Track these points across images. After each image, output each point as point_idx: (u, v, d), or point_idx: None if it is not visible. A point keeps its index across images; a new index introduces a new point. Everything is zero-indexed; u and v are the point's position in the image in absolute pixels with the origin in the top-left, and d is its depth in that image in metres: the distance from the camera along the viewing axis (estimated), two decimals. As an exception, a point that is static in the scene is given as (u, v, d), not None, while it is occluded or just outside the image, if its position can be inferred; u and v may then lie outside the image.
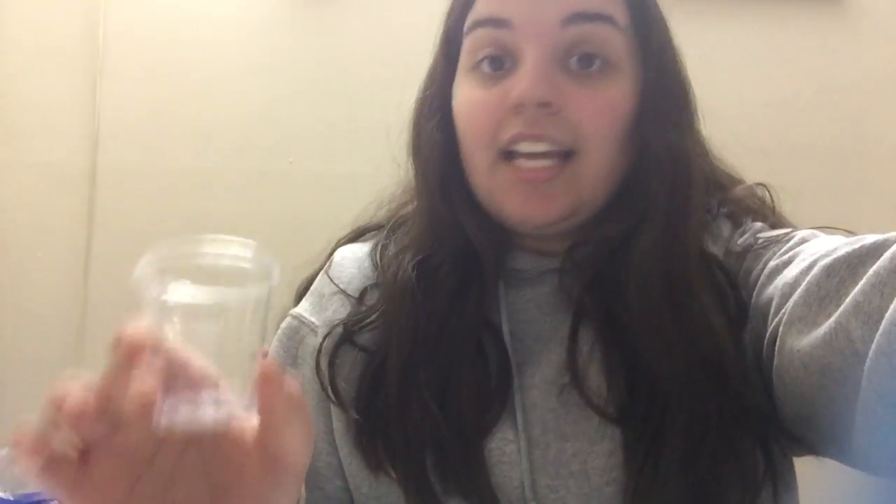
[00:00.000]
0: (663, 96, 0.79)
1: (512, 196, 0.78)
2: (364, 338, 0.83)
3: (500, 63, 0.78)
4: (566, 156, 0.76)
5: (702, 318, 0.75)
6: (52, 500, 1.41)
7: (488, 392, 0.79)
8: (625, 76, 0.78)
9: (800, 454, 0.80)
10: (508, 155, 0.77)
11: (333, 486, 0.85)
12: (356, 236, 0.96)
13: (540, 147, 0.76)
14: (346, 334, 0.83)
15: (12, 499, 1.42)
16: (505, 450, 0.77)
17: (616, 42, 0.77)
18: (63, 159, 1.73)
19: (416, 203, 0.89)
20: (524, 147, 0.76)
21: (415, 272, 0.81)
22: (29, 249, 1.71)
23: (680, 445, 0.73)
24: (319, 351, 0.83)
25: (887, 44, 1.62)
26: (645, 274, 0.76)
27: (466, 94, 0.80)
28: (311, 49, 1.76)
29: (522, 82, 0.74)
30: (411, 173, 0.89)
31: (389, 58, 1.70)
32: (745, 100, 1.56)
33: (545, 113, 0.75)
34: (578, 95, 0.75)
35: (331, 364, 0.82)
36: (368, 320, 0.83)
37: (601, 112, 0.76)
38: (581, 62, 0.76)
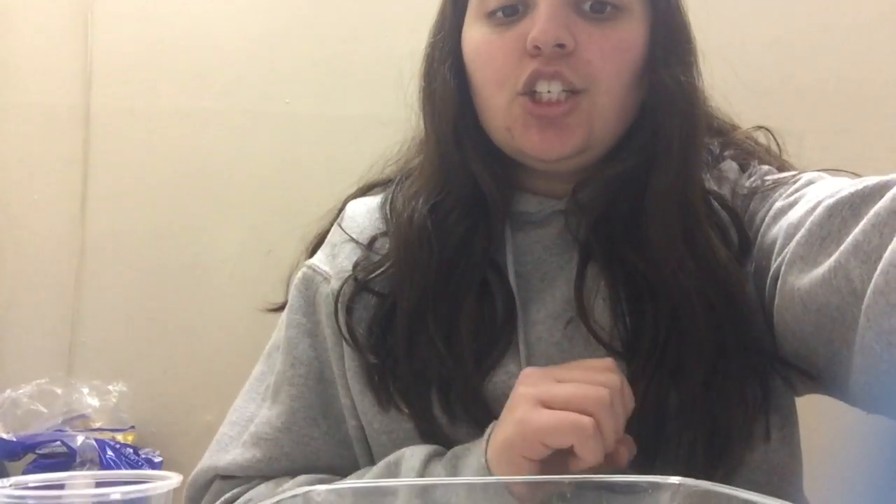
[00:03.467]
0: (672, 37, 0.83)
1: (530, 131, 0.81)
2: (376, 284, 0.86)
3: (513, 9, 0.81)
4: (580, 94, 0.80)
5: (709, 251, 0.79)
6: (53, 441, 1.43)
7: (494, 329, 0.82)
8: (634, 18, 0.81)
9: (801, 392, 0.81)
10: (526, 95, 0.80)
11: (348, 426, 0.88)
12: (364, 191, 1.00)
13: (555, 87, 0.79)
14: (360, 284, 0.86)
15: (14, 439, 1.44)
16: (509, 383, 0.78)
17: None
18: (56, 101, 1.71)
19: (425, 149, 0.92)
20: (541, 87, 0.79)
21: (428, 216, 0.85)
22: (25, 192, 1.70)
23: (689, 375, 0.75)
24: (337, 299, 0.87)
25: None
26: (665, 208, 0.79)
27: (481, 39, 0.83)
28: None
29: (538, 25, 0.78)
30: (420, 122, 0.92)
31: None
32: (746, 40, 1.54)
33: (560, 54, 0.78)
34: (591, 37, 0.79)
35: (348, 311, 0.86)
36: (381, 270, 0.87)
37: (613, 52, 0.80)
38: (594, 8, 0.80)
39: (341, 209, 0.98)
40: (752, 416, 0.77)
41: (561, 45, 0.77)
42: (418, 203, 0.87)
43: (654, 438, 0.75)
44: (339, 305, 0.86)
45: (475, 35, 0.84)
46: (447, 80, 0.85)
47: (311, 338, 0.90)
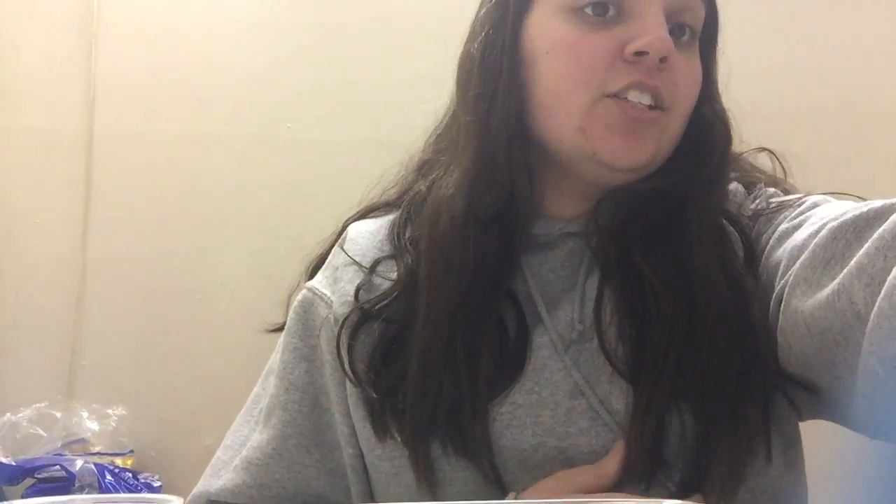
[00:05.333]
0: (714, 71, 0.86)
1: (613, 134, 0.79)
2: (382, 312, 0.84)
3: (604, 8, 0.79)
4: (663, 111, 0.80)
5: (733, 268, 0.79)
6: (52, 465, 1.43)
7: (504, 357, 0.80)
8: (696, 48, 0.83)
9: (804, 417, 0.81)
10: (615, 98, 0.79)
11: (343, 454, 0.86)
12: (365, 214, 0.98)
13: (646, 98, 0.78)
14: (365, 313, 0.84)
15: (14, 464, 1.43)
16: (515, 413, 0.78)
17: (702, 16, 0.82)
18: (59, 125, 1.71)
19: (461, 153, 0.86)
20: (633, 95, 0.78)
21: (462, 223, 0.82)
22: (27, 216, 1.70)
23: (708, 398, 0.75)
24: (341, 329, 0.84)
25: (894, 5, 1.61)
26: (705, 232, 0.80)
27: (565, 32, 0.80)
28: (310, 11, 1.74)
29: (650, 33, 0.77)
30: (451, 131, 0.89)
31: (390, 21, 1.68)
32: (750, 64, 1.54)
33: (660, 67, 0.78)
34: (679, 60, 0.79)
35: (350, 345, 0.84)
36: (385, 301, 0.84)
37: (692, 76, 0.81)
38: (674, 31, 0.80)
39: (342, 231, 0.96)
40: (758, 439, 0.77)
41: (664, 59, 0.77)
42: (452, 209, 0.83)
43: (657, 461, 0.75)
44: (342, 337, 0.84)
45: (556, 28, 0.80)
46: (513, 79, 0.82)
47: (307, 362, 0.88)
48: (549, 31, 0.81)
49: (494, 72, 0.84)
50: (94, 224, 1.70)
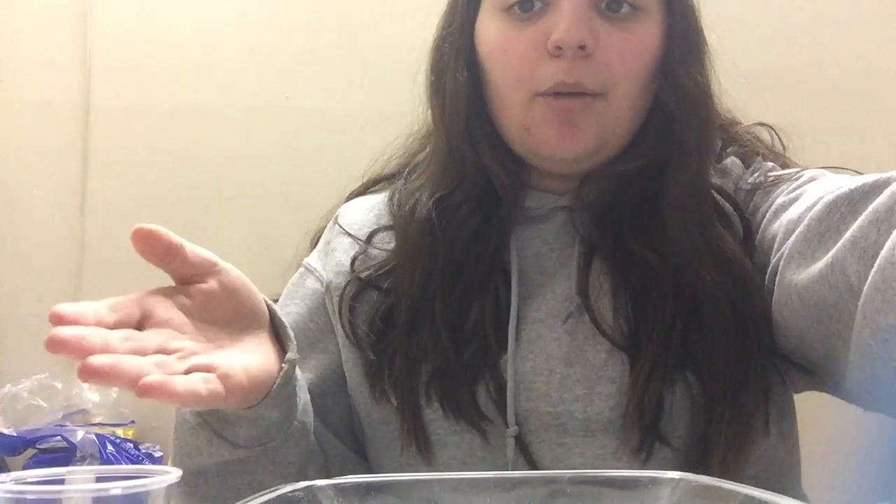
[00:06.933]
0: (688, 36, 0.83)
1: (547, 129, 0.80)
2: (379, 280, 0.86)
3: (530, 5, 0.80)
4: (594, 97, 0.79)
5: (723, 245, 0.79)
6: (53, 436, 1.44)
7: (495, 325, 0.82)
8: (651, 18, 0.81)
9: (799, 389, 0.82)
10: (547, 95, 0.79)
11: (336, 418, 0.88)
12: (368, 186, 1.00)
13: (575, 90, 0.79)
14: (363, 282, 0.86)
15: (15, 434, 1.44)
16: (508, 379, 0.79)
17: None
18: (55, 96, 1.70)
19: (433, 144, 0.91)
20: (561, 89, 0.79)
21: (435, 209, 0.84)
22: (24, 187, 1.70)
23: (709, 369, 0.76)
24: (341, 297, 0.87)
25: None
26: (683, 205, 0.80)
27: (498, 34, 0.82)
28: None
29: (561, 25, 0.77)
30: (427, 115, 0.91)
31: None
32: (749, 35, 1.53)
33: (581, 55, 0.77)
34: (610, 38, 0.78)
35: (351, 309, 0.86)
36: (385, 267, 0.86)
37: (631, 53, 0.80)
38: (610, 6, 0.79)
39: (346, 201, 0.99)
40: (755, 410, 0.77)
41: (583, 47, 0.77)
42: (422, 196, 0.86)
43: (655, 431, 0.76)
44: (342, 304, 0.86)
45: (491, 29, 0.82)
46: (459, 74, 0.84)
47: (305, 311, 0.90)
48: (487, 34, 0.83)
49: (444, 69, 0.86)
50: (91, 195, 1.70)
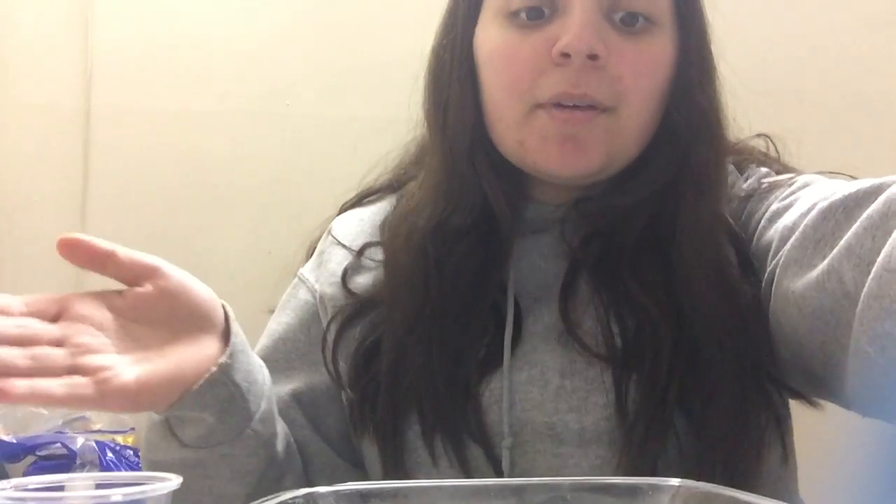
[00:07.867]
0: (703, 55, 0.79)
1: (547, 146, 0.76)
2: (365, 314, 0.85)
3: (539, 12, 0.75)
4: (603, 112, 0.75)
5: (727, 271, 0.76)
6: (53, 442, 1.43)
7: (491, 343, 0.81)
8: (665, 34, 0.77)
9: (796, 396, 0.81)
10: (548, 107, 0.75)
11: (330, 425, 0.88)
12: (360, 199, 0.98)
13: (581, 102, 0.74)
14: (352, 314, 0.85)
15: (15, 441, 1.44)
16: (491, 399, 0.79)
17: (659, 1, 0.77)
18: (56, 101, 1.70)
19: (429, 162, 0.86)
20: (565, 100, 0.74)
21: (430, 240, 0.81)
22: (24, 193, 1.70)
23: (703, 393, 0.75)
24: (327, 329, 0.86)
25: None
26: (698, 251, 0.76)
27: (500, 40, 0.77)
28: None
29: (571, 31, 0.72)
30: (423, 127, 0.88)
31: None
32: (746, 41, 1.54)
33: (591, 66, 0.73)
34: (623, 50, 0.74)
35: (335, 347, 0.85)
36: (369, 302, 0.85)
37: (644, 69, 0.76)
38: (625, 19, 0.75)
39: (340, 213, 0.98)
40: (752, 420, 0.77)
41: (593, 56, 0.72)
42: (418, 221, 0.82)
43: (647, 446, 0.75)
44: (329, 333, 0.85)
45: (493, 36, 0.78)
46: (463, 87, 0.79)
47: (300, 327, 0.90)
48: (488, 40, 0.79)
49: (446, 82, 0.81)
50: (92, 201, 1.70)
